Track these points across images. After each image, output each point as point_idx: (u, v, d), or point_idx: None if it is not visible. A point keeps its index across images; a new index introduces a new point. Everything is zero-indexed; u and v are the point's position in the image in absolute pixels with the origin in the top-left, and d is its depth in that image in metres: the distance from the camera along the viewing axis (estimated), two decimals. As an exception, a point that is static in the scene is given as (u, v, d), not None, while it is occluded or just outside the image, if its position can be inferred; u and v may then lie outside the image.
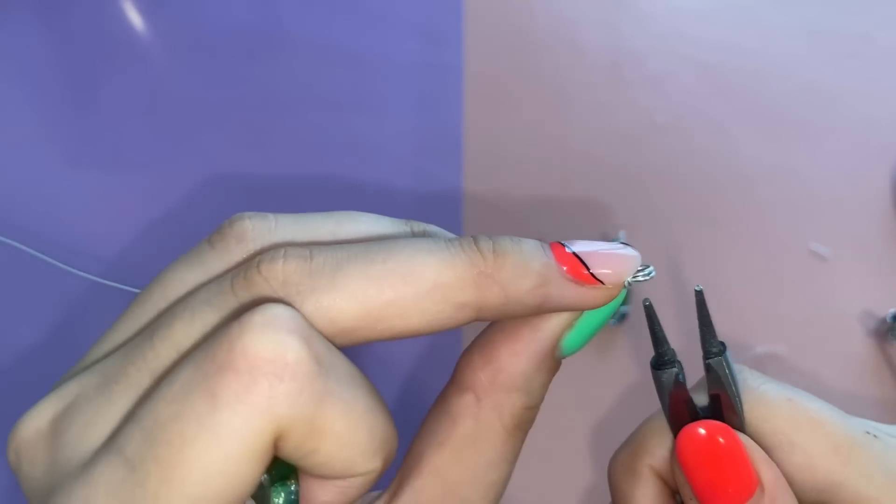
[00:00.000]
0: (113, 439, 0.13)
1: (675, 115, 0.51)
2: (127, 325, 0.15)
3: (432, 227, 0.17)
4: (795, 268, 0.45)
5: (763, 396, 0.17)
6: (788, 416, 0.16)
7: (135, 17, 0.53)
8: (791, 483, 0.16)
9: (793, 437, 0.16)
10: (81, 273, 0.43)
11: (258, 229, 0.15)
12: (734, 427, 0.16)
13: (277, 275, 0.14)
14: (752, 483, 0.15)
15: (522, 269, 0.15)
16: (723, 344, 0.17)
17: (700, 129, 0.50)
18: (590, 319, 0.16)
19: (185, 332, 0.13)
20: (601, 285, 0.15)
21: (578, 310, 0.16)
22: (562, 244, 0.15)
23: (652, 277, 0.16)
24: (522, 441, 0.16)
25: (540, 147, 0.49)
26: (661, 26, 0.55)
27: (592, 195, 0.47)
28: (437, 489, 0.15)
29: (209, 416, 0.12)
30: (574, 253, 0.15)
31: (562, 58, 0.53)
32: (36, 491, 0.14)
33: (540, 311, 0.15)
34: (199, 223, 0.46)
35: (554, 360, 0.16)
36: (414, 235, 0.17)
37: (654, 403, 0.41)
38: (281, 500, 0.14)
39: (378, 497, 0.16)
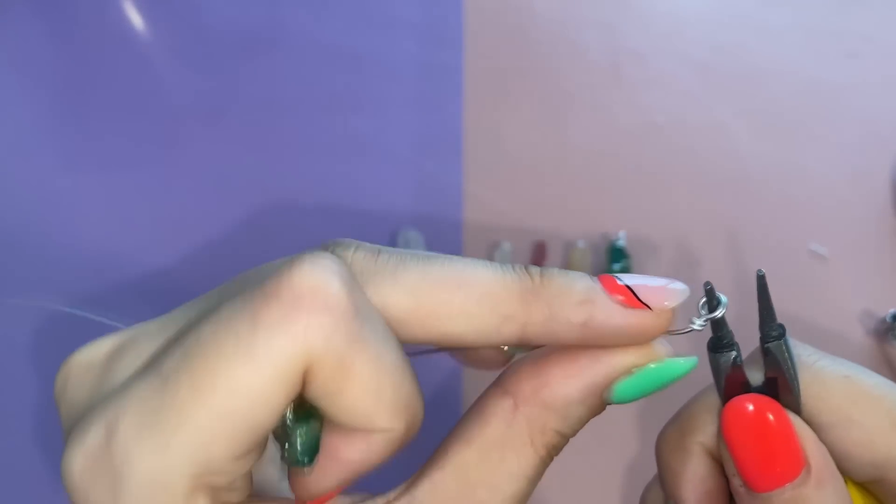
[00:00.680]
0: (154, 359, 0.14)
1: (674, 114, 0.51)
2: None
3: None
4: (795, 268, 0.45)
5: (819, 373, 0.16)
6: (845, 393, 0.16)
7: (135, 17, 0.53)
8: (848, 459, 0.16)
9: (851, 413, 0.16)
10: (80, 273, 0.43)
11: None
12: (790, 409, 0.16)
13: (347, 259, 0.15)
14: (798, 463, 0.15)
15: (567, 287, 0.15)
16: (782, 327, 0.17)
17: (700, 129, 0.50)
18: (650, 375, 0.16)
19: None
20: (647, 310, 0.15)
21: (627, 338, 0.15)
22: (612, 276, 0.16)
23: (721, 314, 0.16)
24: (546, 465, 0.16)
25: (540, 147, 0.49)
26: (661, 26, 0.55)
27: (592, 195, 0.47)
28: (456, 486, 0.15)
29: (247, 337, 0.13)
30: (623, 283, 0.15)
31: (562, 58, 0.53)
32: (74, 414, 0.14)
33: (585, 333, 0.15)
34: (199, 223, 0.46)
35: (600, 400, 0.16)
36: None
37: (654, 406, 0.41)
38: (302, 439, 0.14)
39: (395, 488, 0.16)
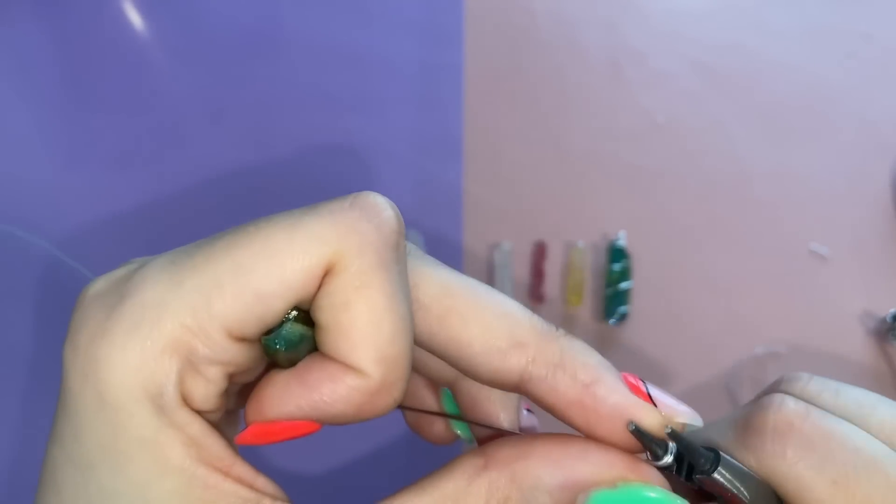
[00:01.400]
0: None
1: (675, 114, 0.51)
2: None
3: None
4: (795, 268, 0.45)
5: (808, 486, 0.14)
6: None
7: (134, 17, 0.53)
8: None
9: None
10: (82, 269, 0.43)
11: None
12: None
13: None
14: None
15: (586, 349, 0.15)
16: (714, 454, 0.15)
17: (700, 129, 0.50)
18: (635, 497, 0.14)
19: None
20: (650, 404, 0.15)
21: (619, 422, 0.14)
22: (631, 375, 0.15)
23: (668, 460, 0.15)
24: None
25: (540, 147, 0.49)
26: (661, 26, 0.55)
27: (592, 195, 0.47)
28: None
29: (300, 215, 0.14)
30: (643, 382, 0.15)
31: (562, 57, 0.53)
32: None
33: (584, 398, 0.14)
34: (200, 223, 0.46)
35: (571, 500, 0.14)
36: None
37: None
38: (287, 329, 0.14)
39: None
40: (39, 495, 0.14)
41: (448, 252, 0.45)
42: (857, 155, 0.49)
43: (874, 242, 0.46)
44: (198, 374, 0.14)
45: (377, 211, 0.14)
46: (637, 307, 0.43)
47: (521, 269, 0.44)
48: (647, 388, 0.15)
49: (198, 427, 0.14)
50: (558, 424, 0.16)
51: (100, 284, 0.14)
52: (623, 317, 0.42)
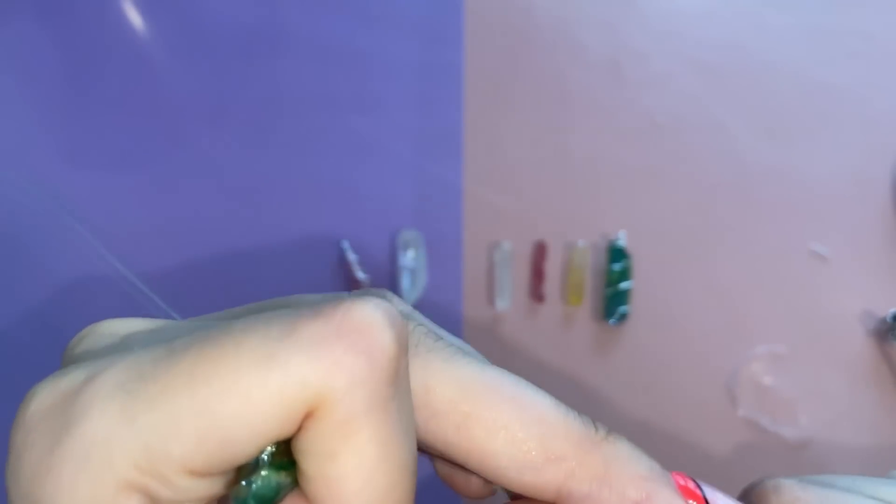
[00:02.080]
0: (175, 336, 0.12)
1: (675, 114, 0.51)
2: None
3: None
4: (795, 268, 0.45)
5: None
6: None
7: (134, 17, 0.53)
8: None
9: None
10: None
11: (396, 305, 0.15)
12: None
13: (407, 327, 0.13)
14: None
15: (633, 455, 0.13)
16: None
17: (700, 129, 0.50)
18: None
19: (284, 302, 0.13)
20: None
21: None
22: (682, 474, 0.14)
23: None
24: None
25: (540, 147, 0.49)
26: (661, 26, 0.55)
27: (592, 195, 0.47)
28: None
29: (275, 342, 0.11)
30: (696, 484, 0.14)
31: (562, 57, 0.53)
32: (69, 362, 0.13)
33: None
34: (200, 223, 0.46)
35: None
36: None
37: (653, 405, 0.41)
38: (261, 482, 0.12)
39: None
40: None
41: (448, 252, 0.45)
42: (858, 155, 0.49)
43: (874, 242, 0.46)
44: None
45: (371, 336, 0.11)
46: (637, 307, 0.43)
47: (521, 269, 0.44)
48: (703, 492, 0.14)
49: None
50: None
51: (43, 399, 0.12)
52: (623, 317, 0.42)
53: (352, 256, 0.44)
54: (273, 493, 0.12)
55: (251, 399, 0.11)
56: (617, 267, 0.43)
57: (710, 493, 0.14)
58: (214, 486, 0.12)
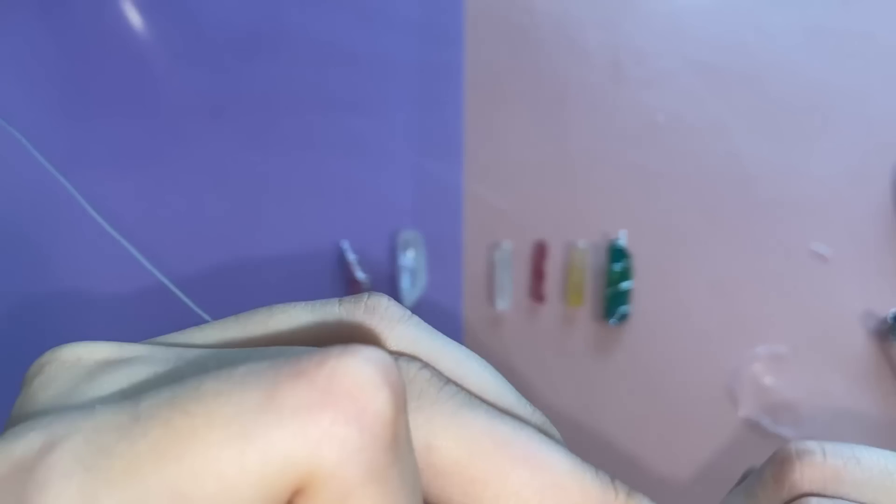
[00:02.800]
0: (142, 389, 0.11)
1: (675, 114, 0.51)
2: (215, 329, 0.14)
3: (550, 425, 0.15)
4: (796, 267, 0.45)
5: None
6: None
7: (134, 17, 0.53)
8: None
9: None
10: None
11: (392, 310, 0.14)
12: None
13: (408, 374, 0.12)
14: None
15: None
16: None
17: (701, 129, 0.50)
18: None
19: (275, 321, 0.13)
20: None
21: None
22: None
23: None
24: None
25: (541, 146, 0.49)
26: (661, 26, 0.55)
27: (593, 195, 0.47)
28: None
29: (252, 412, 0.10)
30: None
31: (562, 57, 0.53)
32: (27, 408, 0.12)
33: None
34: (200, 223, 0.46)
35: None
36: (535, 422, 0.14)
37: (654, 405, 0.41)
38: None
39: None
40: None
41: (448, 252, 0.45)
42: (858, 154, 0.49)
43: (875, 242, 0.45)
44: None
45: (363, 399, 0.10)
46: (637, 307, 0.43)
47: (522, 269, 0.44)
48: None
49: None
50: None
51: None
52: (623, 317, 0.42)
53: (352, 256, 0.44)
54: None
55: (227, 480, 0.10)
56: (617, 267, 0.43)
57: None
58: None
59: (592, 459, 0.36)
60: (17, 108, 0.49)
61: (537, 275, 0.43)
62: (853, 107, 0.51)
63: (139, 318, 0.43)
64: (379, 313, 0.14)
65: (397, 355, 0.13)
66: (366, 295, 0.14)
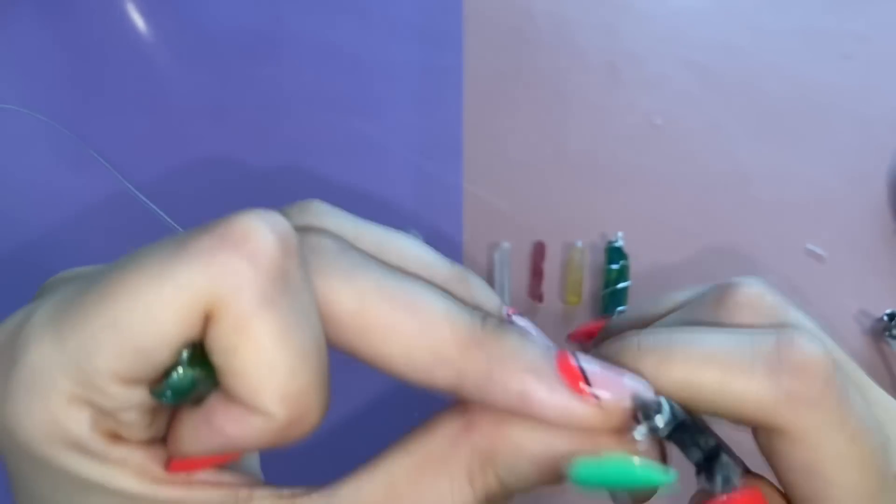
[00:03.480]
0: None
1: (672, 115, 0.51)
2: None
3: (474, 278, 0.17)
4: (792, 268, 0.45)
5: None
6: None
7: (137, 19, 0.53)
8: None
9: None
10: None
11: (322, 206, 0.16)
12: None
13: (312, 242, 0.14)
14: None
15: (515, 349, 0.14)
16: (713, 447, 0.15)
17: (697, 130, 0.50)
18: (618, 467, 0.14)
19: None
20: (595, 402, 0.14)
21: (567, 424, 0.14)
22: (569, 353, 0.14)
23: (662, 427, 0.14)
24: None
25: (539, 147, 0.49)
26: (659, 28, 0.55)
27: (591, 195, 0.47)
28: (380, 495, 0.14)
29: (167, 260, 0.13)
30: (578, 366, 0.14)
31: (561, 59, 0.53)
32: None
33: (522, 403, 0.14)
34: (201, 223, 0.47)
35: (554, 469, 0.14)
36: (456, 276, 0.16)
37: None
38: (176, 376, 0.13)
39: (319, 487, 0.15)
40: None
41: (448, 252, 0.45)
42: (854, 156, 0.49)
43: (871, 243, 0.46)
44: (116, 418, 0.13)
45: (253, 242, 0.13)
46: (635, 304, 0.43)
47: (521, 269, 0.45)
48: (581, 365, 0.14)
49: (140, 455, 0.14)
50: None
51: None
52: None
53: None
54: (188, 386, 0.13)
55: (152, 310, 0.12)
56: (615, 267, 0.43)
57: (586, 363, 0.14)
58: (148, 394, 0.14)
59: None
60: (19, 107, 0.50)
61: (536, 274, 0.44)
62: (849, 108, 0.51)
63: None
64: (311, 210, 0.16)
65: (306, 228, 0.15)
66: (302, 202, 0.16)
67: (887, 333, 0.42)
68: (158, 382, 0.13)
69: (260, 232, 0.13)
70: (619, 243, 0.44)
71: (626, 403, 0.14)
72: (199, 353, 0.13)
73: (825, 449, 0.14)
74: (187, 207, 0.46)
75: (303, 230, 0.15)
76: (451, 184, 0.47)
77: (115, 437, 0.14)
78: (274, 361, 0.13)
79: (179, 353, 0.13)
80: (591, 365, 0.14)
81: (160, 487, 0.14)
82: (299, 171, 0.47)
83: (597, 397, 0.14)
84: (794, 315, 0.16)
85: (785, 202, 0.47)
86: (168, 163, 0.48)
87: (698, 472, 0.15)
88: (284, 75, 0.51)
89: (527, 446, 0.14)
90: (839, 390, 0.14)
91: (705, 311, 0.17)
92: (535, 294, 0.43)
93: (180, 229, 0.45)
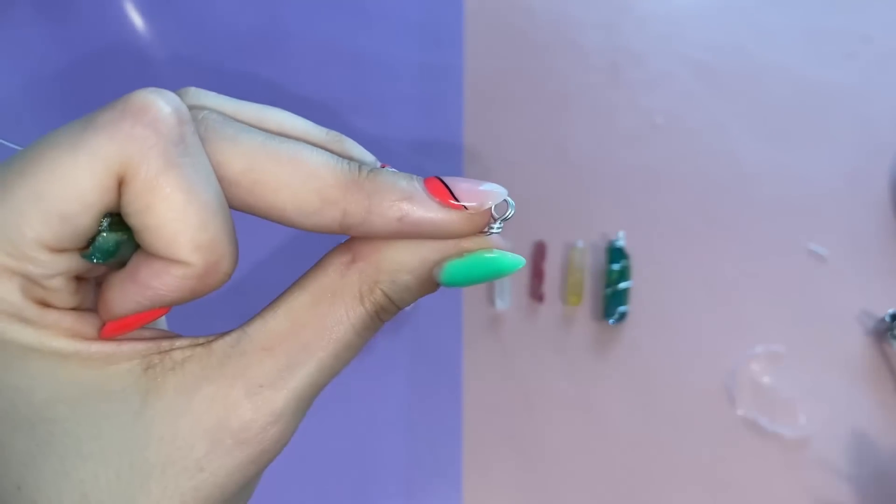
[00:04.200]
0: None
1: (673, 115, 0.51)
2: None
3: (349, 140, 0.19)
4: (794, 268, 0.45)
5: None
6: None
7: (136, 18, 0.53)
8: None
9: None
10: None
11: (208, 93, 0.17)
12: None
13: (197, 116, 0.16)
14: None
15: (388, 184, 0.16)
16: None
17: (699, 130, 0.50)
18: (479, 262, 0.17)
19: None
20: (461, 209, 0.16)
21: (442, 234, 0.16)
22: (435, 178, 0.17)
23: (511, 215, 0.17)
24: (374, 323, 0.17)
25: (540, 147, 0.49)
26: (660, 27, 0.55)
27: (592, 195, 0.47)
28: (286, 325, 0.16)
29: (77, 134, 0.14)
30: (441, 180, 0.16)
31: (561, 58, 0.53)
32: None
33: (402, 228, 0.16)
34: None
35: (429, 276, 0.17)
36: (332, 139, 0.18)
37: (652, 404, 0.41)
38: (101, 239, 0.15)
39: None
40: None
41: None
42: (856, 155, 0.49)
43: (872, 243, 0.46)
44: (43, 286, 0.15)
45: (151, 111, 0.14)
46: (636, 307, 0.43)
47: (522, 270, 0.44)
48: (448, 188, 0.16)
49: (71, 319, 0.16)
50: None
51: None
52: (622, 316, 0.42)
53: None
54: (113, 247, 0.15)
55: (70, 178, 0.14)
56: (616, 267, 0.43)
57: (448, 180, 0.16)
58: (74, 261, 0.15)
59: (590, 456, 0.36)
60: (19, 108, 0.50)
61: (537, 275, 0.44)
62: (850, 108, 0.51)
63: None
64: (190, 94, 0.17)
65: (192, 107, 0.16)
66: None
67: (890, 333, 0.41)
68: (84, 249, 0.15)
69: (157, 104, 0.14)
70: (620, 243, 0.44)
71: (487, 206, 0.16)
72: (117, 221, 0.15)
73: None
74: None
75: (188, 102, 0.16)
76: (451, 184, 0.47)
77: (45, 305, 0.15)
78: (184, 214, 0.14)
79: (100, 222, 0.15)
80: (454, 182, 0.16)
81: (91, 344, 0.16)
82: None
83: (465, 207, 0.16)
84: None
85: (787, 202, 0.47)
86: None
87: None
88: (285, 75, 0.51)
89: (404, 261, 0.17)
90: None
91: None
92: (536, 294, 0.43)
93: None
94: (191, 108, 0.16)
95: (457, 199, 0.16)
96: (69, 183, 0.14)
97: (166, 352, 0.16)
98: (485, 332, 0.42)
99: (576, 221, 0.46)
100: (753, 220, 0.47)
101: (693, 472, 0.40)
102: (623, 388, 0.41)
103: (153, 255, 0.15)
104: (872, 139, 0.50)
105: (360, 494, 0.39)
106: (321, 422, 0.39)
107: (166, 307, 0.16)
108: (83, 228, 0.14)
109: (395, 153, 0.48)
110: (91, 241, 0.15)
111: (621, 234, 0.44)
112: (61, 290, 0.15)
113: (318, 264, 0.17)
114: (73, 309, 0.16)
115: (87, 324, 0.16)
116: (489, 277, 0.17)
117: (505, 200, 0.17)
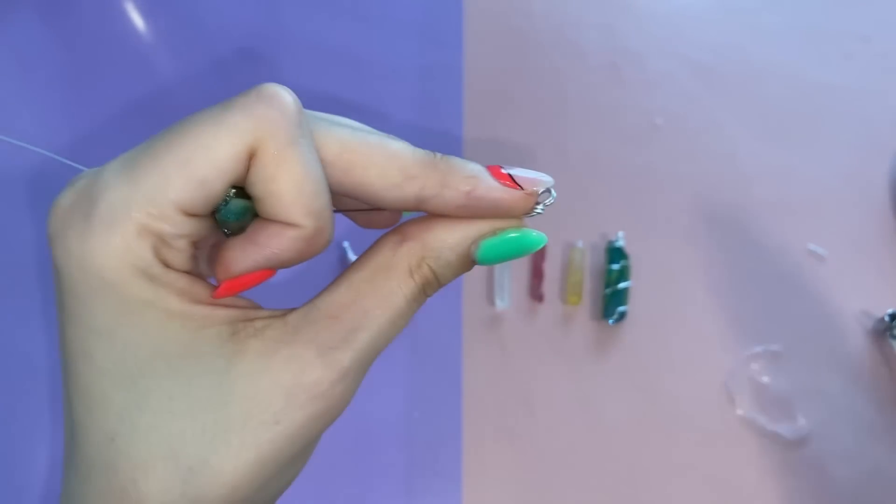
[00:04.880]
0: None
1: (673, 115, 0.51)
2: None
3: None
4: (793, 268, 0.45)
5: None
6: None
7: (136, 18, 0.53)
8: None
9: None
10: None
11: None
12: None
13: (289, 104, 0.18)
14: None
15: (460, 165, 0.19)
16: None
17: (698, 130, 0.50)
18: (510, 239, 0.20)
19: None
20: (518, 189, 0.19)
21: (503, 209, 0.19)
22: (496, 165, 0.20)
23: (552, 202, 0.20)
24: (422, 295, 0.20)
25: (539, 147, 0.49)
26: (659, 28, 0.55)
27: (592, 195, 0.47)
28: (348, 296, 0.19)
29: (219, 114, 0.17)
30: (505, 171, 0.20)
31: (561, 59, 0.53)
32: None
33: (469, 201, 0.19)
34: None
35: (468, 254, 0.20)
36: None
37: (651, 403, 0.42)
38: (232, 203, 0.17)
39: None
40: (67, 377, 0.18)
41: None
42: (855, 156, 0.49)
43: (872, 243, 0.46)
44: (169, 247, 0.17)
45: (279, 99, 0.17)
46: (636, 307, 0.43)
47: (521, 269, 0.44)
48: (511, 175, 0.19)
49: (184, 281, 0.18)
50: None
51: (68, 197, 0.17)
52: (622, 316, 0.42)
53: (353, 257, 0.44)
54: (241, 210, 0.18)
55: (212, 149, 0.16)
56: (615, 267, 0.43)
57: (509, 169, 0.19)
58: (201, 225, 0.17)
59: (590, 456, 0.36)
60: (20, 108, 0.50)
61: (536, 274, 0.44)
62: (850, 108, 0.51)
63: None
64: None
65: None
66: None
67: (889, 334, 0.42)
68: (217, 211, 0.17)
69: (283, 93, 0.17)
70: (620, 243, 0.44)
71: (540, 189, 0.20)
72: (240, 193, 0.18)
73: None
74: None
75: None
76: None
77: (167, 266, 0.17)
78: (302, 184, 0.17)
79: (228, 192, 0.17)
80: (513, 169, 0.20)
81: (195, 306, 0.18)
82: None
83: (521, 187, 0.19)
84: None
85: (786, 202, 0.47)
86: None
87: None
88: (284, 75, 0.51)
89: (446, 239, 0.19)
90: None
91: None
92: (536, 294, 0.43)
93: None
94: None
95: (515, 183, 0.19)
96: (211, 152, 0.16)
97: (250, 320, 0.18)
98: (485, 331, 0.42)
99: (575, 221, 0.46)
100: (753, 219, 0.47)
101: (692, 471, 0.40)
102: (622, 388, 0.41)
103: (270, 221, 0.17)
104: (872, 139, 0.50)
105: (360, 494, 0.39)
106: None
107: (275, 269, 0.18)
108: (216, 194, 0.17)
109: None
110: (217, 210, 0.17)
111: (621, 234, 0.44)
112: (183, 252, 0.17)
113: (373, 246, 0.20)
114: (187, 273, 0.18)
115: (195, 287, 0.18)
116: (518, 253, 0.20)
117: (548, 189, 0.20)
